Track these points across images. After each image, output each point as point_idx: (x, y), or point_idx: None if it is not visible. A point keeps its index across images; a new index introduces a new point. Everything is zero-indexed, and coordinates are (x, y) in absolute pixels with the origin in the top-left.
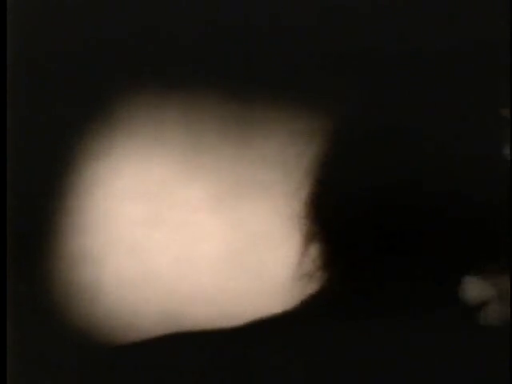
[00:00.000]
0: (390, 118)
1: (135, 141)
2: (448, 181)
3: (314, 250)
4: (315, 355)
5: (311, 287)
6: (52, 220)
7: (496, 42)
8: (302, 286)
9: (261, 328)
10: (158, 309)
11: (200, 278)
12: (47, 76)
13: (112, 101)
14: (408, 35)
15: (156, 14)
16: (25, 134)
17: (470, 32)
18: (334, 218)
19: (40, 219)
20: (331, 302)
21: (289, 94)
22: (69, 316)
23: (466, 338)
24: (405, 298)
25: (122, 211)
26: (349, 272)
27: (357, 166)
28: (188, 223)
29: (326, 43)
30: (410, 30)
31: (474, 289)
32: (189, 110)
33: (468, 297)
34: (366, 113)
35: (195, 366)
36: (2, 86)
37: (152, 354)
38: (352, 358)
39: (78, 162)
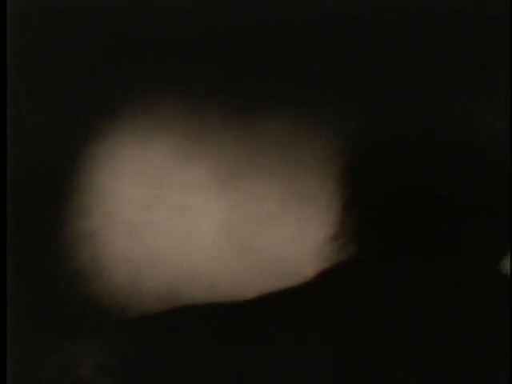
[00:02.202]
0: (392, 116)
1: (135, 123)
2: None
3: (313, 230)
4: (313, 339)
5: (311, 266)
6: (53, 202)
7: (496, 40)
8: (303, 265)
9: (261, 306)
10: (157, 290)
11: (200, 259)
12: (49, 62)
13: (113, 85)
14: (407, 35)
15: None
16: (25, 120)
17: (470, 31)
18: (335, 201)
19: (41, 201)
20: (329, 283)
21: (290, 80)
22: (69, 296)
23: None
24: (432, 269)
25: (122, 193)
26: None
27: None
28: (188, 204)
29: (326, 34)
30: (409, 31)
31: None
32: (190, 93)
33: None
34: (366, 108)
35: (195, 346)
36: (3, 72)
37: (152, 333)
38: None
39: (78, 144)
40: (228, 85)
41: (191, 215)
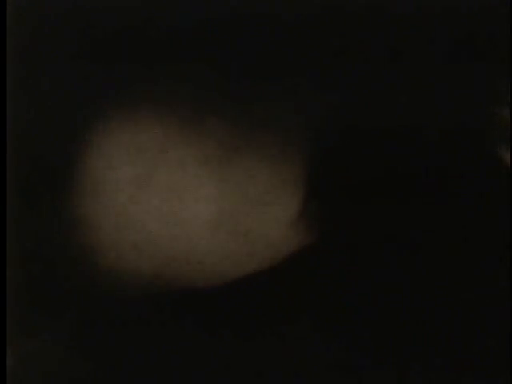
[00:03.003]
0: (388, 116)
1: (128, 102)
2: (446, 179)
3: (310, 212)
4: (305, 313)
5: (305, 248)
6: (45, 185)
7: (496, 40)
8: (296, 248)
9: (253, 287)
10: (150, 271)
11: (192, 241)
12: (48, 57)
13: (108, 76)
14: (408, 34)
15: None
16: (23, 109)
17: (470, 31)
18: (332, 182)
19: (33, 185)
20: (326, 263)
21: (292, 65)
22: (62, 278)
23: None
24: (400, 255)
25: (113, 173)
26: (343, 233)
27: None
28: (181, 185)
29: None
30: (408, 30)
31: None
32: (189, 73)
33: None
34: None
35: (186, 326)
36: (3, 69)
37: (144, 313)
38: (342, 316)
39: (69, 125)
40: (230, 67)
41: (183, 198)
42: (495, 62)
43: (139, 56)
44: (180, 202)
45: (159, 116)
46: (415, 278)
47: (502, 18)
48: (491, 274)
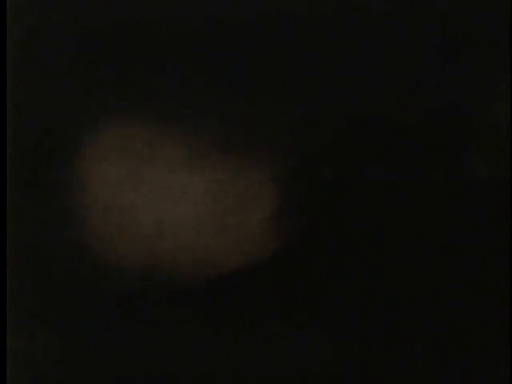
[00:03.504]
0: (384, 115)
1: (119, 102)
2: (445, 180)
3: (296, 210)
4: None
5: (292, 246)
6: (31, 181)
7: (496, 40)
8: (283, 245)
9: (242, 284)
10: (137, 269)
11: (179, 238)
12: (45, 56)
13: (104, 69)
14: (407, 32)
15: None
16: (21, 110)
17: (470, 30)
18: (316, 181)
19: (21, 181)
20: (313, 258)
21: (279, 69)
22: (50, 276)
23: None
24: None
25: (101, 170)
26: (328, 229)
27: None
28: (169, 183)
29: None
30: (408, 27)
31: None
32: (179, 75)
33: None
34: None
35: (176, 324)
36: (3, 58)
37: (134, 310)
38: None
39: (58, 122)
40: (213, 80)
41: (172, 194)
42: (495, 62)
43: (136, 58)
44: (168, 199)
45: (149, 116)
46: (411, 276)
47: (502, 18)
48: (491, 274)
